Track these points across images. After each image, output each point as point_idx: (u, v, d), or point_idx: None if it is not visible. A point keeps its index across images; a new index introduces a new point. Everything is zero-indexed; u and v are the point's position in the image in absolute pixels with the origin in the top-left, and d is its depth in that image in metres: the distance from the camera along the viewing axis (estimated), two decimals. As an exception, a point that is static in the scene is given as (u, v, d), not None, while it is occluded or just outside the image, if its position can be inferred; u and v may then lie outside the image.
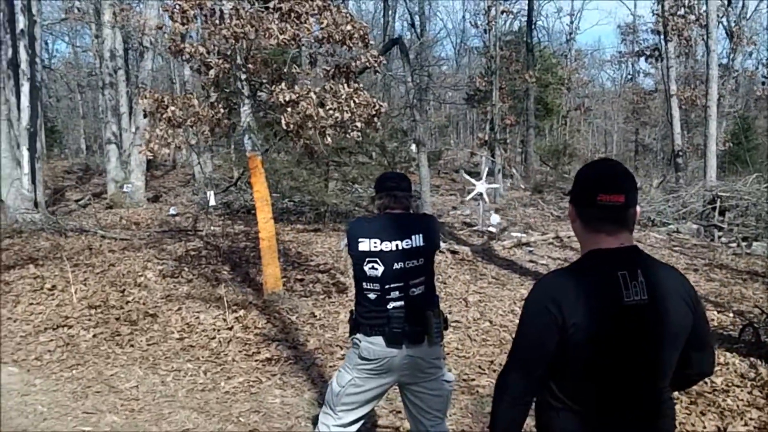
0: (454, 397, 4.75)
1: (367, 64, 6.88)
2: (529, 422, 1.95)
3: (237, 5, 6.51)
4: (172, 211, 14.65)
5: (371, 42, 7.02)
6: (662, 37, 21.46)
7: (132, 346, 6.15)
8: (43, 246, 10.28)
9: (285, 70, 7.28)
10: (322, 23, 6.62)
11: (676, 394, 2.03)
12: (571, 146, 28.27)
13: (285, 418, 4.66)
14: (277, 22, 6.51)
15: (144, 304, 7.33)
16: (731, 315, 7.01)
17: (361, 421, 3.31)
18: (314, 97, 6.56)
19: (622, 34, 35.40)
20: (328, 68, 7.20)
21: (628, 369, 1.81)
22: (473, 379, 5.35)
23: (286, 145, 11.58)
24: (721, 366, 5.30)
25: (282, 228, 11.51)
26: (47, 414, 4.71)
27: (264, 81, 7.50)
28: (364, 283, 3.15)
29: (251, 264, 9.14)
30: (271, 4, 6.66)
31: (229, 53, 6.87)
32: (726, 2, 24.11)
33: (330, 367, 5.59)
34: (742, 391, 4.92)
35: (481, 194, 12.82)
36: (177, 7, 6.58)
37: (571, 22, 48.65)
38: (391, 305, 3.09)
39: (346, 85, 6.73)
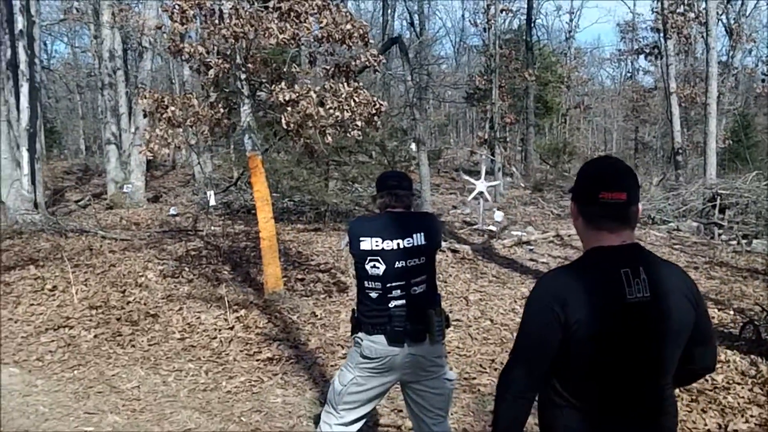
0: (456, 396, 4.75)
1: (367, 63, 6.88)
2: (530, 420, 1.96)
3: (236, 5, 6.51)
4: (172, 212, 14.64)
5: (371, 41, 7.02)
6: (662, 34, 21.44)
7: (133, 346, 6.15)
8: (43, 247, 10.28)
9: (284, 70, 7.27)
10: (321, 22, 6.61)
11: (676, 391, 2.03)
12: (570, 144, 28.26)
13: (287, 418, 4.66)
14: (276, 21, 6.51)
15: (145, 304, 7.33)
16: (732, 312, 7.02)
17: (363, 420, 3.31)
18: (314, 96, 6.55)
19: (622, 32, 35.39)
20: (328, 67, 7.20)
21: (631, 366, 1.81)
22: (474, 378, 5.35)
23: (285, 145, 11.57)
24: (722, 363, 5.31)
25: (282, 228, 11.50)
26: (49, 414, 4.71)
27: (263, 80, 7.50)
28: (365, 282, 3.15)
29: (252, 264, 9.14)
30: (270, 4, 6.66)
31: (228, 53, 6.87)
32: (725, 0, 24.11)
33: (331, 366, 5.59)
34: (742, 388, 4.93)
35: (481, 193, 12.82)
36: (176, 6, 6.57)
37: (571, 20, 48.41)
38: (392, 304, 3.09)
39: (346, 84, 6.72)
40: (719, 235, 12.01)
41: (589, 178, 1.91)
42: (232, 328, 6.52)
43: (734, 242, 11.34)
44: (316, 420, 4.07)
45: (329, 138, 6.84)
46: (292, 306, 7.17)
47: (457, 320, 6.77)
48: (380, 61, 7.03)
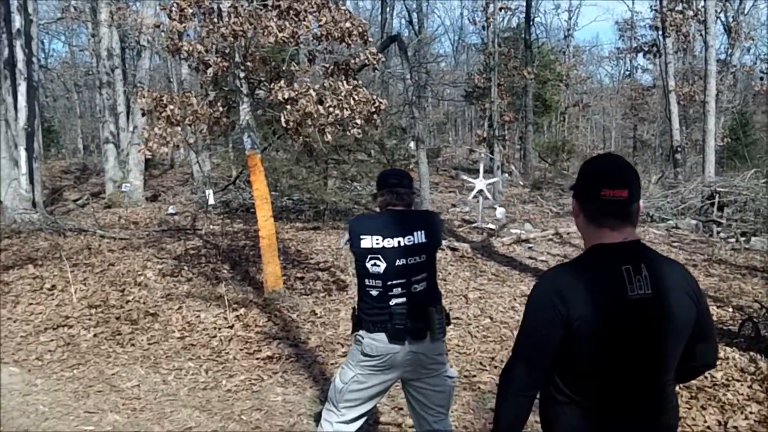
0: (456, 394, 4.74)
1: (366, 61, 6.87)
2: (531, 418, 1.96)
3: (235, 3, 6.50)
4: (170, 210, 14.63)
5: (370, 39, 7.01)
6: (660, 33, 21.47)
7: (133, 345, 6.15)
8: (41, 246, 10.27)
9: (284, 68, 7.26)
10: (320, 20, 6.60)
11: (676, 389, 2.03)
12: (569, 142, 28.25)
13: (287, 416, 4.66)
14: (275, 19, 6.50)
15: (144, 303, 7.32)
16: (730, 310, 7.02)
17: (364, 418, 3.31)
18: (313, 94, 6.55)
19: (620, 31, 35.44)
20: (327, 65, 7.19)
21: (633, 363, 1.81)
22: (474, 376, 5.35)
23: (284, 143, 11.56)
24: (721, 360, 5.31)
25: (281, 226, 11.50)
26: (49, 414, 4.71)
27: (262, 79, 7.49)
28: (366, 280, 3.15)
29: (251, 262, 9.14)
30: (269, 2, 6.65)
31: (227, 51, 6.86)
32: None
33: (331, 364, 5.59)
34: (742, 385, 4.93)
35: (481, 191, 12.82)
36: (175, 5, 6.56)
37: (569, 19, 48.76)
38: (393, 302, 3.09)
39: (345, 82, 6.71)
40: (718, 232, 12.03)
41: (591, 175, 1.91)
42: (231, 327, 6.52)
43: (733, 240, 11.35)
44: (317, 418, 4.08)
45: (329, 136, 6.83)
46: (291, 304, 7.17)
47: (457, 318, 6.77)
48: (380, 60, 7.02)
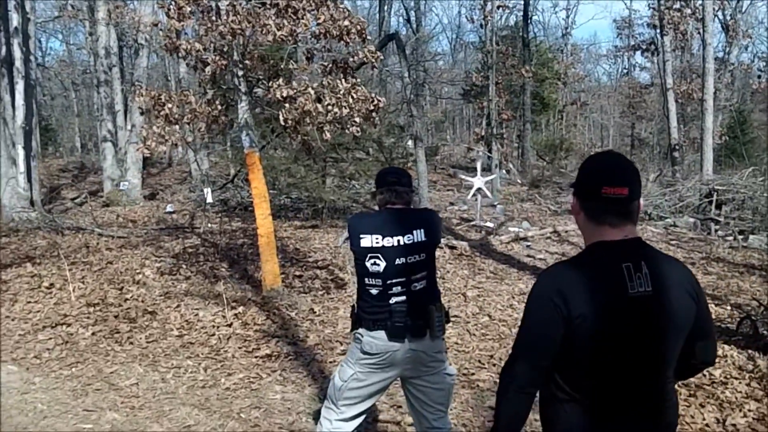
0: (455, 392, 4.75)
1: (365, 59, 6.86)
2: (531, 416, 1.96)
3: (234, 1, 6.49)
4: (169, 209, 14.62)
5: (368, 37, 7.01)
6: (658, 31, 21.50)
7: (131, 343, 6.14)
8: (39, 244, 10.26)
9: (282, 66, 7.26)
10: (319, 19, 6.59)
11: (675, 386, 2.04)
12: (567, 141, 28.26)
13: (286, 414, 4.66)
14: (274, 18, 6.49)
15: (143, 301, 7.32)
16: (729, 308, 7.04)
17: (364, 416, 3.32)
18: (312, 92, 6.54)
19: (618, 29, 35.37)
20: (326, 64, 7.18)
21: (633, 361, 1.82)
22: (473, 374, 5.35)
23: (283, 142, 11.56)
24: (720, 358, 5.32)
25: (279, 224, 11.49)
26: (47, 412, 4.70)
27: (261, 77, 7.48)
28: (366, 279, 3.15)
29: (249, 261, 9.13)
30: (267, 0, 6.63)
31: (225, 50, 6.85)
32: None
33: (330, 362, 5.60)
34: (740, 383, 4.94)
35: (480, 189, 12.83)
36: (173, 3, 6.55)
37: (567, 17, 48.86)
38: (393, 300, 3.10)
39: (343, 80, 6.70)
40: (716, 230, 12.04)
41: (591, 173, 1.91)
42: (230, 325, 6.52)
43: (731, 238, 11.37)
44: (316, 416, 4.08)
45: (327, 134, 6.82)
46: (290, 303, 7.16)
47: (456, 316, 6.77)
48: (378, 58, 7.01)
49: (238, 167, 13.89)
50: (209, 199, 11.58)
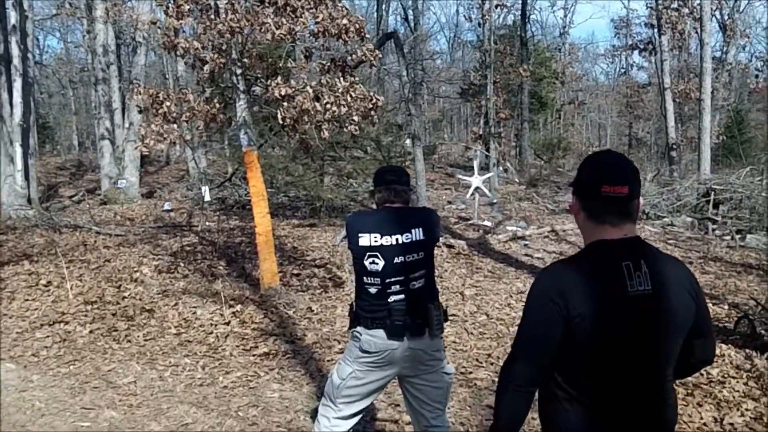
0: (452, 390, 4.75)
1: (363, 58, 6.85)
2: (529, 415, 1.96)
3: (232, 0, 6.48)
4: (166, 207, 14.62)
5: (367, 36, 7.00)
6: (656, 30, 21.52)
7: (129, 341, 6.14)
8: (37, 242, 10.25)
9: (280, 65, 7.25)
10: (317, 17, 6.58)
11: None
12: (565, 140, 28.33)
13: (284, 412, 4.66)
14: (272, 16, 6.48)
15: (140, 299, 7.31)
16: (726, 307, 7.05)
17: (361, 414, 3.32)
18: (310, 91, 6.53)
19: (616, 28, 35.46)
20: (324, 62, 7.18)
21: (633, 359, 1.82)
22: (471, 372, 5.36)
23: (280, 140, 11.55)
24: (717, 358, 5.32)
25: (277, 223, 11.49)
26: (45, 410, 4.70)
27: (259, 76, 7.48)
28: (364, 278, 3.15)
29: (247, 259, 9.13)
30: (266, -2, 6.63)
31: (224, 48, 6.84)
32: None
33: (328, 361, 5.60)
34: (738, 382, 4.95)
35: (478, 188, 12.84)
36: (172, 1, 6.54)
37: (565, 16, 48.92)
38: (392, 299, 3.10)
39: (342, 79, 6.70)
40: (713, 230, 12.06)
41: (591, 172, 1.91)
42: (228, 324, 6.52)
43: (728, 237, 11.39)
44: (313, 414, 4.07)
45: (325, 133, 6.82)
46: (288, 301, 7.16)
47: (453, 315, 6.78)
48: (377, 56, 7.01)
49: (236, 165, 13.88)
50: (207, 198, 11.58)
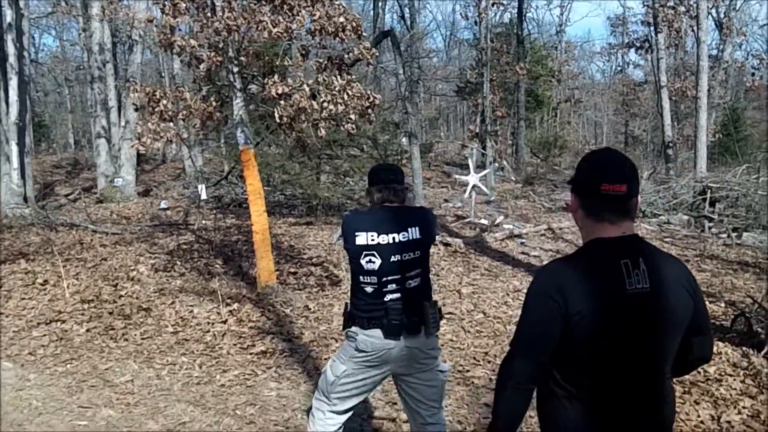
0: (450, 388, 4.77)
1: (360, 56, 6.85)
2: (529, 413, 1.96)
3: (229, -3, 6.46)
4: (163, 205, 14.59)
5: (364, 34, 6.99)
6: (652, 28, 21.54)
7: (126, 340, 6.13)
8: (33, 241, 10.23)
9: (277, 63, 7.24)
10: (314, 15, 6.57)
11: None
12: (561, 138, 28.36)
13: (281, 411, 4.66)
14: (269, 14, 6.47)
15: (137, 298, 7.30)
16: (723, 305, 7.06)
17: (353, 410, 3.32)
18: (307, 89, 6.53)
19: (612, 26, 35.59)
20: (321, 60, 7.17)
21: (631, 356, 1.82)
22: (468, 371, 5.36)
23: (277, 139, 11.54)
24: (714, 356, 5.33)
25: (274, 221, 11.48)
26: (42, 409, 4.69)
27: (256, 74, 7.47)
28: (360, 277, 3.14)
29: (244, 257, 9.12)
30: (263, -4, 6.62)
31: (220, 46, 6.83)
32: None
33: (325, 359, 5.59)
34: (734, 380, 4.96)
35: (475, 186, 12.84)
36: (168, -1, 6.53)
37: (561, 14, 48.84)
38: (388, 297, 3.09)
39: (338, 77, 6.69)
40: (709, 228, 12.07)
41: (590, 170, 1.91)
42: (225, 322, 6.51)
43: (724, 235, 11.40)
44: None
45: (322, 131, 6.81)
46: (285, 299, 7.16)
47: (450, 313, 6.78)
48: (373, 54, 7.00)
49: (232, 164, 13.87)
50: (203, 196, 11.58)
